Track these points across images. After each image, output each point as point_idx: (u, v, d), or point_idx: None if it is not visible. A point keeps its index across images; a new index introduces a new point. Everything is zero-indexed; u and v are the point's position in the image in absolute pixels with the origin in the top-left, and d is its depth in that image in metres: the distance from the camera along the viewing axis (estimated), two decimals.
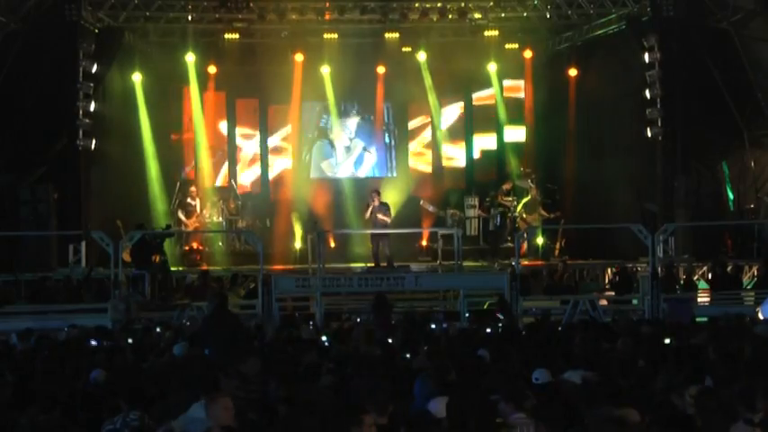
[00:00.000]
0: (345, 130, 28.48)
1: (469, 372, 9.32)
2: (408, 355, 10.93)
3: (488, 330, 14.36)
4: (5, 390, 8.64)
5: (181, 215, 25.23)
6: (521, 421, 7.34)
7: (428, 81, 27.56)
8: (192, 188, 25.78)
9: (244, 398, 8.37)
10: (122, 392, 8.05)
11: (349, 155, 28.51)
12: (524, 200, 25.77)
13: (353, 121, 28.54)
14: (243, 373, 9.24)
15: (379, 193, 23.28)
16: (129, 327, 15.50)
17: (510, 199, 25.79)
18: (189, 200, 25.45)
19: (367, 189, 25.40)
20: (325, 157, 28.49)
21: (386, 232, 22.93)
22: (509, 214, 25.51)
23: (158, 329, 15.43)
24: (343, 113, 28.37)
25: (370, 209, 22.90)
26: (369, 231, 23.74)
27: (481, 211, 26.16)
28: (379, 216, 22.81)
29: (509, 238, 25.01)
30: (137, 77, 26.29)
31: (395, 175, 28.56)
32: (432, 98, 27.89)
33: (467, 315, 17.64)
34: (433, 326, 15.16)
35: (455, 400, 7.42)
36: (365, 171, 28.58)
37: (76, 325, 15.00)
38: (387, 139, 28.80)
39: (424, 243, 26.36)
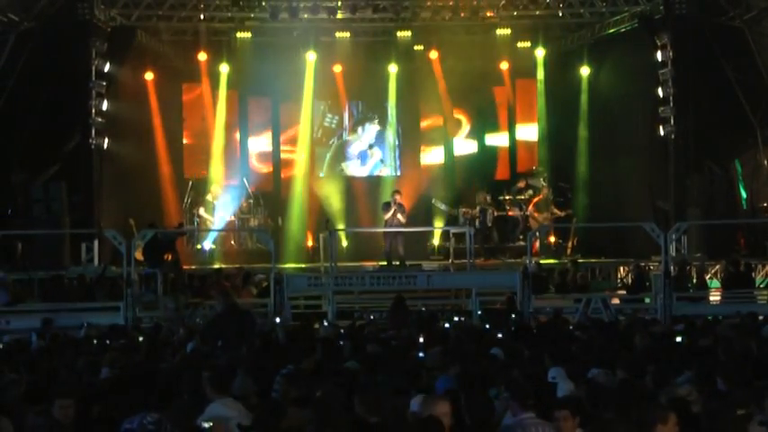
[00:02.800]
0: (363, 135, 28.51)
1: (478, 370, 9.34)
2: (421, 354, 10.95)
3: (499, 329, 14.34)
4: (19, 387, 8.65)
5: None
6: (529, 421, 7.30)
7: (440, 79, 27.56)
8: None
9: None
10: (139, 392, 8.05)
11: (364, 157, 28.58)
12: (536, 198, 25.77)
13: (372, 127, 28.55)
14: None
15: (400, 194, 23.41)
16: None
17: (523, 197, 25.78)
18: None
19: (380, 187, 25.34)
20: (345, 158, 28.51)
21: (401, 231, 22.98)
22: (521, 212, 25.53)
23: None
24: (359, 116, 28.43)
25: (392, 210, 22.94)
26: (381, 230, 23.76)
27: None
28: (398, 216, 22.91)
29: (521, 237, 25.01)
30: (149, 76, 26.34)
31: (407, 173, 28.55)
32: (443, 96, 27.88)
33: (479, 313, 17.65)
34: (447, 324, 15.15)
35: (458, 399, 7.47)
36: (373, 169, 28.58)
37: (92, 323, 15.07)
38: (399, 138, 28.79)
39: (436, 242, 26.36)
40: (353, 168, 28.50)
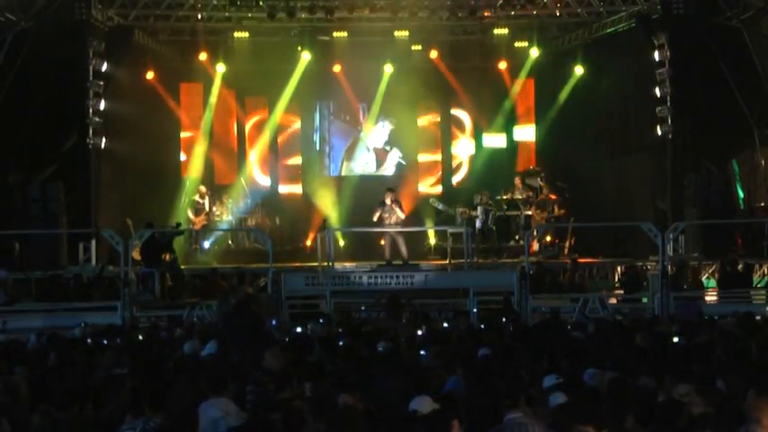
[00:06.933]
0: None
1: (474, 370, 9.33)
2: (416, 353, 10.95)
3: (496, 329, 14.32)
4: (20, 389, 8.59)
5: (190, 213, 25.29)
6: (518, 420, 7.26)
7: (437, 79, 27.56)
8: (202, 187, 25.86)
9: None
10: (136, 392, 8.03)
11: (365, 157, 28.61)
12: (533, 198, 25.74)
13: (373, 127, 28.60)
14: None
15: (394, 192, 23.14)
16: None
17: (521, 197, 25.77)
18: (198, 198, 25.52)
19: (379, 187, 25.42)
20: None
21: (400, 231, 22.87)
22: (519, 212, 25.53)
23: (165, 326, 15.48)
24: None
25: (389, 209, 22.58)
26: (379, 229, 23.70)
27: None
28: (397, 213, 22.62)
29: (517, 237, 25.04)
30: (147, 76, 26.32)
31: (405, 173, 28.56)
32: (441, 96, 27.87)
33: (474, 311, 17.67)
34: (445, 324, 15.15)
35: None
36: (372, 169, 28.63)
37: (88, 323, 15.06)
38: (399, 138, 28.78)
39: (432, 241, 26.35)
40: (354, 168, 28.49)
